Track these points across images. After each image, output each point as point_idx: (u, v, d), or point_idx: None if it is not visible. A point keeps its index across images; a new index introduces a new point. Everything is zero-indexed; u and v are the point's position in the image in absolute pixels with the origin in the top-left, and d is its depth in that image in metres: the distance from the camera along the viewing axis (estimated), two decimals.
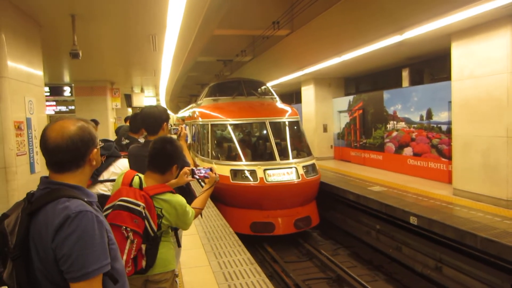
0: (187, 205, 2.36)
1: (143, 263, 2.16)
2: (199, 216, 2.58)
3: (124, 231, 2.07)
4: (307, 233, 8.63)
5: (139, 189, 2.25)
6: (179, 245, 2.52)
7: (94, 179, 3.28)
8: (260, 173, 7.66)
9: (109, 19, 5.51)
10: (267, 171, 7.71)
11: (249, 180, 7.69)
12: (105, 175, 3.34)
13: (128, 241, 2.06)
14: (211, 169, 2.63)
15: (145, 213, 2.14)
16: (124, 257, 2.03)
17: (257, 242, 7.96)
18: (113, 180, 3.35)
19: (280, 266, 6.97)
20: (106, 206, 2.20)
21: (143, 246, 2.15)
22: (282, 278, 6.54)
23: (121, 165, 3.43)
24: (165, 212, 2.25)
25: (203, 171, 2.60)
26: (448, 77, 7.73)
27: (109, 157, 3.40)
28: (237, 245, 5.22)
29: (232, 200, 7.91)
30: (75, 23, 5.20)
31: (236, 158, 8.40)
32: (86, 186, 1.47)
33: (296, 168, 7.90)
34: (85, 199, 1.36)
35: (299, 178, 7.76)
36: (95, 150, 1.45)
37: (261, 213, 7.70)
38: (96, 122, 8.52)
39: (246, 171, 7.81)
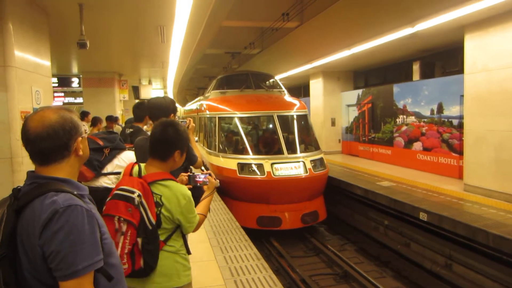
0: (192, 200, 2.09)
1: (141, 262, 1.92)
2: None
3: (116, 221, 1.90)
4: (314, 228, 8.57)
5: (138, 177, 2.07)
6: (188, 252, 2.22)
7: (98, 172, 3.22)
8: (267, 167, 7.59)
9: (117, 9, 5.46)
10: (275, 165, 7.64)
11: (256, 174, 7.63)
12: (108, 168, 3.28)
13: (122, 233, 1.88)
14: (210, 174, 2.43)
15: (139, 201, 1.92)
16: (118, 251, 1.85)
17: (263, 237, 7.92)
18: (117, 173, 3.29)
19: (286, 261, 6.92)
20: (108, 199, 2.05)
21: (139, 240, 1.90)
22: (288, 273, 6.49)
23: (126, 158, 3.36)
24: (164, 200, 1.99)
25: (202, 177, 2.40)
26: (460, 71, 7.57)
27: (113, 150, 3.33)
28: (243, 239, 5.17)
29: (239, 194, 7.86)
30: (82, 13, 5.16)
31: (243, 151, 8.33)
32: (76, 179, 1.40)
33: (304, 162, 7.82)
34: (75, 192, 1.30)
35: (306, 172, 7.68)
36: (80, 139, 1.39)
37: (268, 207, 7.64)
38: (85, 114, 8.62)
39: (253, 165, 7.75)
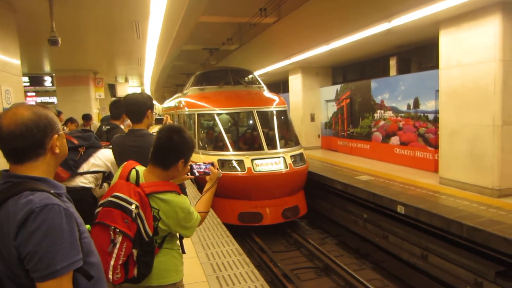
0: (191, 207, 2.00)
1: (135, 271, 1.84)
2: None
3: (111, 232, 1.80)
4: (295, 223, 8.63)
5: (136, 184, 1.93)
6: (183, 251, 2.18)
7: (73, 172, 3.14)
8: (248, 163, 7.59)
9: (90, 4, 5.31)
10: (255, 161, 7.65)
11: (237, 170, 7.61)
12: (84, 167, 3.21)
13: (114, 244, 1.79)
14: (212, 164, 2.28)
15: (137, 213, 1.82)
16: (112, 262, 1.79)
17: (245, 233, 7.93)
18: (93, 172, 3.22)
19: (268, 256, 6.95)
20: (100, 202, 1.94)
21: (135, 252, 1.82)
22: (270, 268, 6.52)
23: (102, 156, 3.29)
24: (162, 215, 1.89)
25: (203, 167, 2.26)
26: (435, 66, 7.72)
27: (89, 148, 3.26)
28: (225, 235, 5.16)
29: (220, 190, 7.75)
30: (52, 8, 5.00)
31: (223, 148, 8.30)
32: (52, 177, 1.36)
33: (284, 157, 7.85)
34: (52, 191, 1.26)
35: (287, 167, 7.72)
36: (56, 136, 1.34)
37: (249, 203, 7.65)
38: (59, 113, 8.43)
39: (233, 161, 7.73)
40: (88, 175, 3.23)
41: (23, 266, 1.17)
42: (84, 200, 3.07)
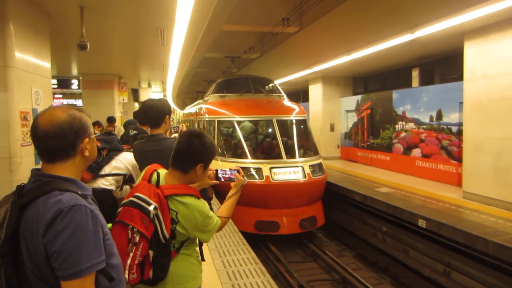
0: (211, 212, 2.00)
1: (150, 273, 1.85)
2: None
3: (129, 231, 1.82)
4: (312, 233, 8.53)
5: (156, 186, 1.96)
6: (202, 259, 2.15)
7: (95, 173, 3.20)
8: (266, 171, 7.57)
9: (118, 12, 5.46)
10: (273, 170, 7.62)
11: (255, 178, 7.60)
12: (106, 169, 3.27)
13: (134, 244, 1.80)
14: (238, 171, 2.29)
15: (155, 214, 1.83)
16: (128, 261, 1.80)
17: (261, 241, 7.88)
18: (115, 175, 3.27)
19: (284, 266, 6.88)
20: (122, 202, 1.95)
21: (151, 253, 1.83)
22: (286, 278, 6.45)
23: (124, 159, 3.35)
24: (180, 218, 1.89)
25: (228, 173, 2.27)
26: (459, 78, 7.58)
27: (111, 151, 3.32)
28: (241, 243, 5.14)
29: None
30: (83, 15, 5.16)
31: (242, 155, 8.31)
32: (80, 179, 1.40)
33: (302, 167, 7.80)
34: (79, 192, 1.29)
35: (305, 177, 7.66)
36: (87, 139, 1.38)
37: (266, 212, 7.61)
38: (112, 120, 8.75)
39: (252, 169, 7.72)
40: (109, 177, 3.30)
41: (49, 263, 1.20)
42: (105, 201, 3.12)
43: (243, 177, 2.30)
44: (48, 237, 1.18)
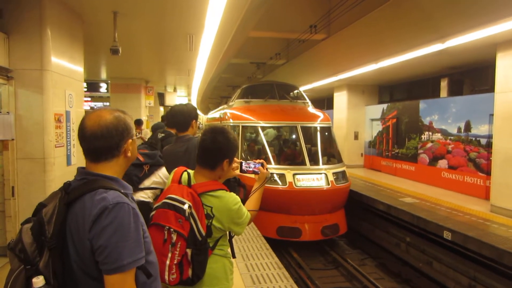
0: (241, 204, 2.04)
1: (189, 272, 1.87)
2: None
3: (166, 232, 1.85)
4: (334, 241, 8.47)
5: (188, 186, 1.99)
6: (233, 255, 2.18)
7: (135, 187, 3.25)
8: (289, 177, 7.58)
9: (149, 17, 5.61)
10: (297, 176, 7.62)
11: (278, 183, 7.62)
12: (146, 183, 3.33)
13: (172, 244, 1.83)
14: (262, 164, 2.29)
15: (190, 213, 1.86)
16: (168, 262, 1.84)
17: (282, 247, 7.88)
18: (153, 188, 3.34)
19: (305, 273, 6.86)
20: (155, 206, 2.00)
21: (189, 251, 1.85)
22: (307, 284, 6.43)
23: (162, 174, 3.38)
24: (215, 212, 1.93)
25: (252, 166, 2.27)
26: (489, 89, 7.41)
27: (153, 166, 3.39)
28: (264, 248, 5.17)
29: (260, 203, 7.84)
30: (116, 20, 5.33)
31: (265, 160, 8.32)
32: (122, 178, 1.47)
33: (326, 174, 7.78)
34: (122, 191, 1.36)
35: (328, 184, 7.63)
36: (130, 141, 1.46)
37: (288, 218, 7.61)
38: (140, 122, 9.05)
39: (275, 175, 7.74)
40: (148, 191, 3.35)
41: (94, 258, 1.27)
42: (142, 213, 3.18)
43: (266, 170, 2.31)
44: (94, 232, 1.25)
